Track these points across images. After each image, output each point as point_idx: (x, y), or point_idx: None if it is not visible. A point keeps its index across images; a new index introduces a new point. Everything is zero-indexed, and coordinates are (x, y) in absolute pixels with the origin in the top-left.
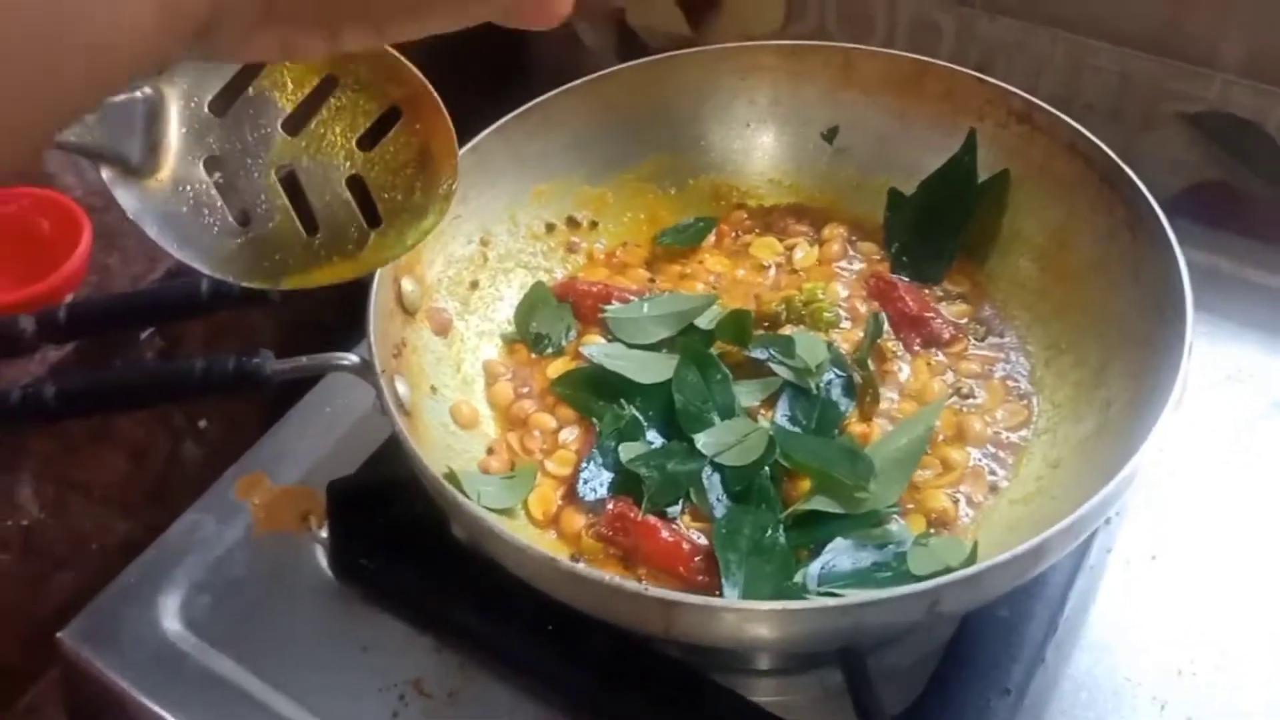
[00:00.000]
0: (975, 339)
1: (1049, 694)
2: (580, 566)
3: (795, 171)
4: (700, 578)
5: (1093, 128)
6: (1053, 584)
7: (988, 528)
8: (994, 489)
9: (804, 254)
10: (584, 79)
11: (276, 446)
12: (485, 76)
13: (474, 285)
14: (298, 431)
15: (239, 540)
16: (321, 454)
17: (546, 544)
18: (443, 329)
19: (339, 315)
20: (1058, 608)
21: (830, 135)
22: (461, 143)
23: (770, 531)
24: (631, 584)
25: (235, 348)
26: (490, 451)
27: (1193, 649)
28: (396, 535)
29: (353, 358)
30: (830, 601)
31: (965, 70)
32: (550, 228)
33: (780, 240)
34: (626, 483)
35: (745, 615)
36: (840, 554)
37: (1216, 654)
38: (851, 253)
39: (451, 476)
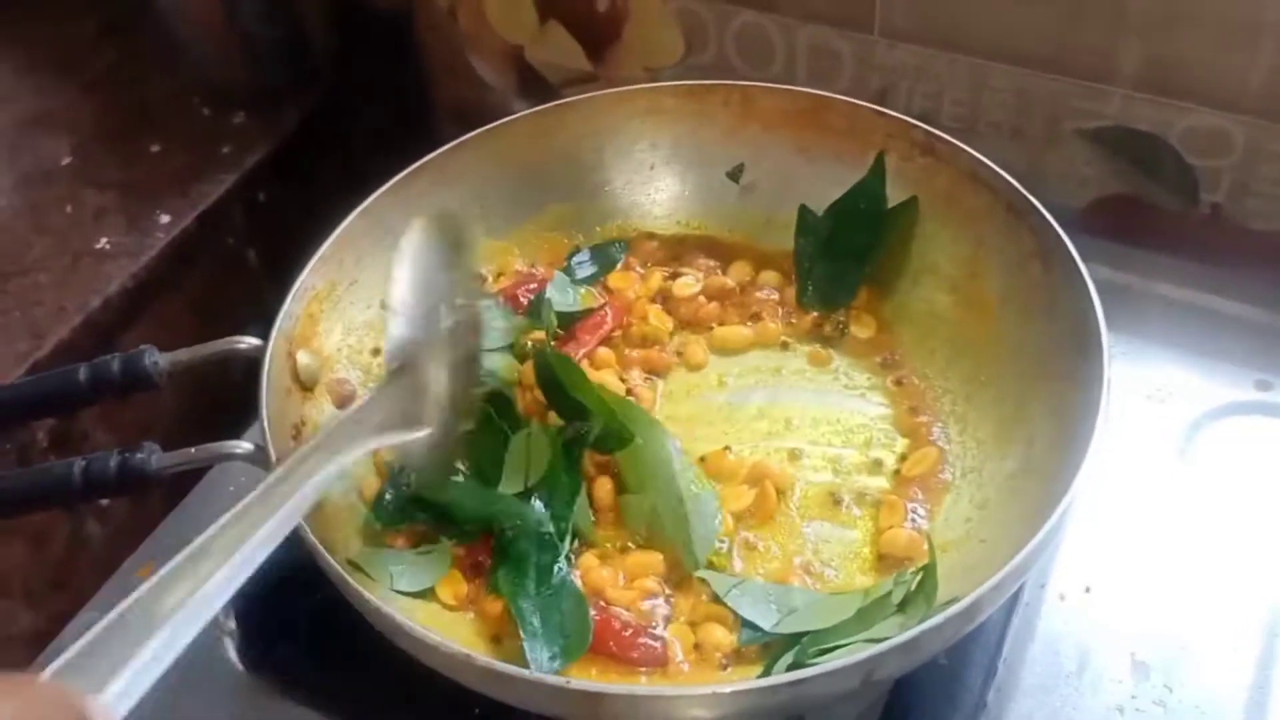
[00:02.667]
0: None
1: None
2: (498, 665)
3: (703, 212)
4: (633, 654)
5: (997, 147)
6: (989, 626)
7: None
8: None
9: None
10: (478, 130)
11: (179, 530)
12: (387, 121)
13: (376, 352)
14: (200, 513)
15: None
16: None
17: (464, 628)
18: (345, 401)
19: (235, 394)
20: (995, 651)
21: (736, 174)
22: (355, 203)
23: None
24: (553, 679)
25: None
26: None
27: (1132, 685)
28: (307, 623)
29: (246, 446)
30: (764, 682)
31: (865, 104)
32: None
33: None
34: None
35: (675, 702)
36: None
37: (1159, 689)
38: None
39: (355, 565)
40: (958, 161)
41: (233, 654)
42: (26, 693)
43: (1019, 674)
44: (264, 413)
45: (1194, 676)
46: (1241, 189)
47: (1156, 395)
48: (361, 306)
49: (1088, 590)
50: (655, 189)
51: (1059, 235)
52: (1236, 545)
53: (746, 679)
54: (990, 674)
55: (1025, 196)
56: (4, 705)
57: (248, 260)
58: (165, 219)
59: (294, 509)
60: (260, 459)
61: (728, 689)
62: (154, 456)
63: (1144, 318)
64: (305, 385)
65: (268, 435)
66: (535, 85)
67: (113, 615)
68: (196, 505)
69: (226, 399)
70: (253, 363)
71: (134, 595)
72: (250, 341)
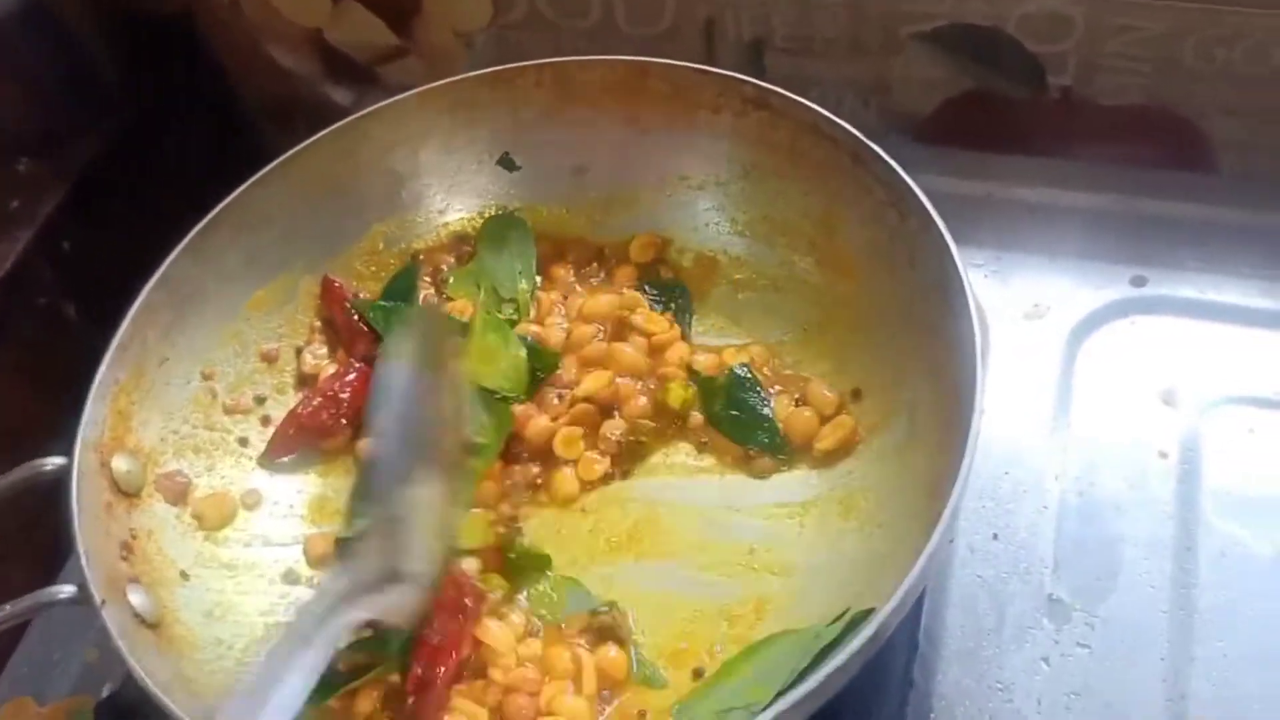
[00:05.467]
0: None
1: (923, 718)
2: None
3: (540, 200)
4: None
5: (837, 64)
6: None
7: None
8: None
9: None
10: (272, 164)
11: (35, 659)
12: (199, 133)
13: (210, 427)
14: (55, 634)
15: None
16: (90, 654)
17: None
18: (180, 497)
19: (52, 518)
20: (914, 624)
21: (507, 161)
22: (179, 226)
23: None
24: None
25: None
26: None
27: (1053, 629)
28: None
29: (68, 589)
30: None
31: (685, 64)
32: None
33: None
34: None
35: None
36: None
37: (1080, 629)
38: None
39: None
40: (794, 113)
41: None
42: None
43: (941, 642)
44: (79, 547)
45: (1113, 610)
46: (1089, 67)
47: (1034, 312)
48: (180, 384)
49: (995, 537)
50: (482, 185)
51: (907, 184)
52: (1132, 455)
53: None
54: (913, 650)
55: (868, 145)
56: None
57: (68, 317)
58: None
59: None
60: (87, 600)
61: None
62: None
63: (1010, 227)
64: (129, 493)
65: (87, 574)
66: (345, 67)
67: None
68: (43, 632)
69: (50, 523)
70: (62, 483)
71: None
72: (54, 462)
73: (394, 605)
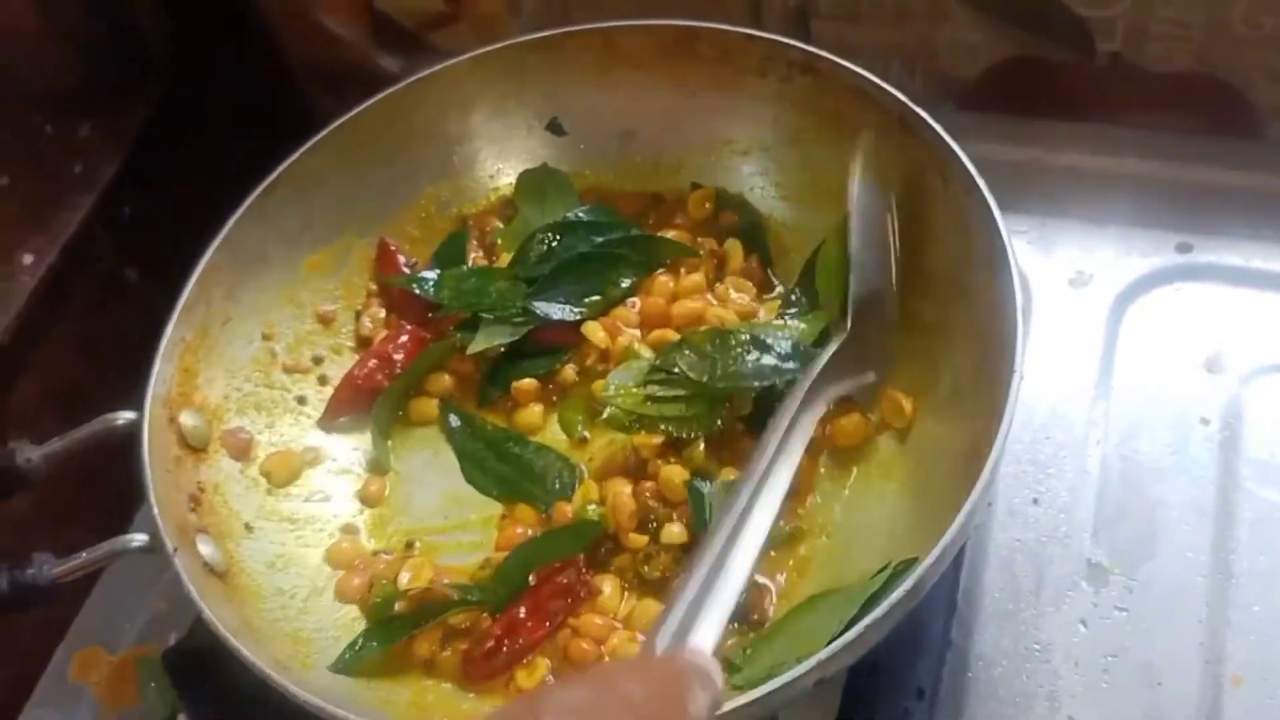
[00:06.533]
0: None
1: (961, 677)
2: None
3: (588, 164)
4: None
5: (883, 29)
6: None
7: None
8: None
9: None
10: (328, 129)
11: (104, 610)
12: (246, 98)
13: (271, 387)
14: (123, 587)
15: None
16: (156, 605)
17: (433, 696)
18: (243, 452)
19: (125, 472)
20: (953, 585)
21: (555, 126)
22: (231, 195)
23: None
24: None
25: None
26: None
27: (1092, 592)
28: (249, 698)
29: (139, 538)
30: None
31: (733, 28)
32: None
33: None
34: None
35: None
36: None
37: (1118, 592)
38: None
39: (281, 665)
40: (840, 78)
41: None
42: (651, 666)
43: (979, 603)
44: (151, 497)
45: (1151, 574)
46: (1139, 33)
47: (1078, 279)
48: (242, 343)
49: (1035, 501)
50: (532, 149)
51: (952, 148)
52: (1174, 421)
53: None
54: (951, 610)
55: (914, 110)
56: (634, 684)
57: (128, 282)
58: (28, 259)
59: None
60: (156, 548)
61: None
62: (45, 567)
63: (1055, 193)
64: (196, 447)
65: (159, 522)
66: (393, 33)
67: (691, 583)
68: (111, 586)
69: (117, 479)
70: (133, 438)
71: (703, 563)
72: (126, 416)
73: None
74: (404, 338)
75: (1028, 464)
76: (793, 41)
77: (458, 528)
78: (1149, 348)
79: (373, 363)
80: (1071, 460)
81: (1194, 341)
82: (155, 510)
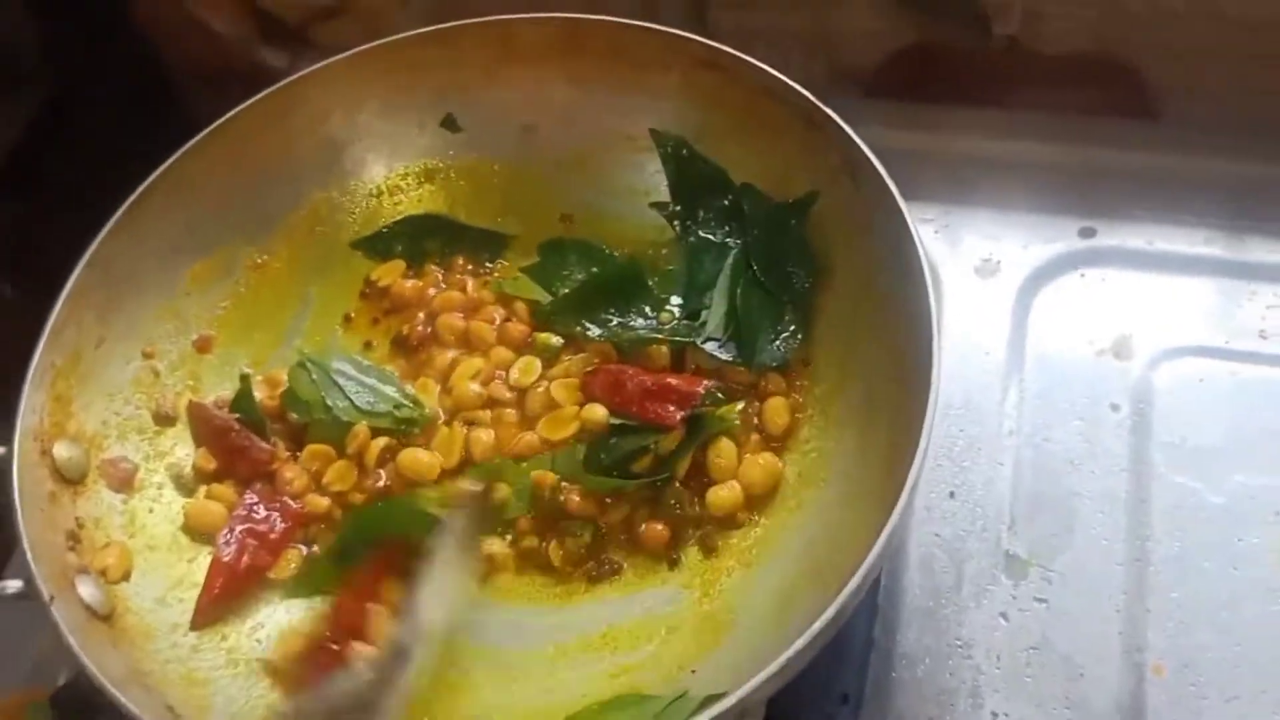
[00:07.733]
0: None
1: (886, 678)
2: None
3: (487, 159)
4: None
5: (783, 16)
6: None
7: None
8: None
9: None
10: (204, 132)
11: None
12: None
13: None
14: (3, 629)
15: None
16: (43, 646)
17: None
18: (125, 483)
19: None
20: (873, 587)
21: (450, 123)
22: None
23: None
24: None
25: None
26: None
27: (1010, 586)
28: None
29: (14, 584)
30: None
31: (629, 21)
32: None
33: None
34: None
35: None
36: None
37: (1039, 584)
38: None
39: (173, 715)
40: (745, 75)
41: None
42: None
43: (900, 602)
44: (24, 542)
45: (1069, 564)
46: (1035, 17)
47: (984, 268)
48: (120, 364)
49: (952, 495)
50: (425, 147)
51: (862, 149)
52: (1085, 409)
53: None
54: (873, 611)
55: (822, 109)
56: None
57: (4, 295)
58: None
59: None
60: (32, 594)
61: None
62: None
63: (959, 180)
64: (71, 480)
65: (34, 568)
66: (277, 28)
67: None
68: None
69: None
70: (3, 475)
71: None
72: None
73: None
74: (253, 499)
75: (943, 459)
76: (690, 35)
77: None
78: (1057, 335)
79: (250, 544)
80: (985, 453)
81: (1100, 327)
82: (29, 556)
